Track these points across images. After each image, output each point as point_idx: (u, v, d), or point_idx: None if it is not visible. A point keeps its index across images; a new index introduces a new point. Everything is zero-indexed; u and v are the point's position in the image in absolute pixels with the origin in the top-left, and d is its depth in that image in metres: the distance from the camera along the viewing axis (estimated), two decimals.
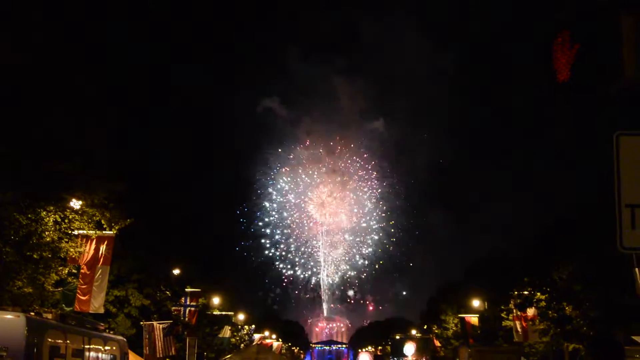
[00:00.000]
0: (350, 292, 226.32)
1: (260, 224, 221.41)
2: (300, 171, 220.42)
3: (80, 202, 24.03)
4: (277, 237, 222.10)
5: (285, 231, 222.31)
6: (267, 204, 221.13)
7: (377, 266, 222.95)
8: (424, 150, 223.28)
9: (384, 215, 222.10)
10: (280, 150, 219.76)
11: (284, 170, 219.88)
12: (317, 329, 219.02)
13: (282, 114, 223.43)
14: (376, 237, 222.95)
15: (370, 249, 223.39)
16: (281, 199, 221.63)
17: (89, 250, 25.48)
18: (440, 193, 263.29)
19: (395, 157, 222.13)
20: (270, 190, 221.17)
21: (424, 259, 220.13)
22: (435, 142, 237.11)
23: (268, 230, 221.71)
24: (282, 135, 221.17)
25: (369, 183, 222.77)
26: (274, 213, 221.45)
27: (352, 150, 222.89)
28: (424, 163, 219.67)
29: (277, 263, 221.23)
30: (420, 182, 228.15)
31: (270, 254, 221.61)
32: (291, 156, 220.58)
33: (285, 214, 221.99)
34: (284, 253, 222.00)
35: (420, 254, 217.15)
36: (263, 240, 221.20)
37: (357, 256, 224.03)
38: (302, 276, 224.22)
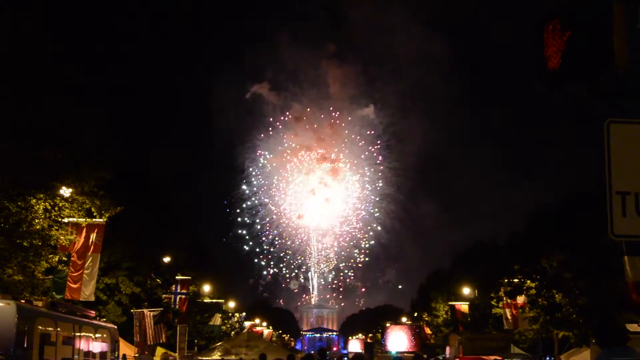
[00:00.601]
0: (341, 280, 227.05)
1: (249, 213, 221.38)
2: (289, 158, 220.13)
3: (70, 190, 23.93)
4: (263, 226, 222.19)
5: (271, 218, 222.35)
6: (255, 192, 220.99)
7: (367, 255, 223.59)
8: (414, 137, 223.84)
9: (375, 201, 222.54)
10: (265, 136, 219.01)
11: (272, 157, 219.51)
12: (307, 316, 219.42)
13: (272, 100, 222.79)
14: (367, 225, 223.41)
15: (361, 237, 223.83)
16: (270, 187, 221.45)
17: (80, 238, 25.39)
18: (431, 181, 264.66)
19: (385, 144, 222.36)
20: (259, 177, 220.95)
21: (414, 247, 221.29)
22: (425, 129, 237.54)
23: (257, 219, 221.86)
24: (271, 121, 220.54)
25: (360, 170, 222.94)
26: (255, 200, 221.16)
27: (341, 137, 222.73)
28: (414, 150, 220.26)
29: (260, 257, 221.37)
30: (411, 169, 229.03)
31: (259, 244, 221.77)
32: (280, 143, 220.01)
33: (272, 202, 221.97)
34: (265, 246, 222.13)
35: (410, 242, 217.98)
36: (250, 230, 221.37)
37: (348, 244, 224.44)
38: (292, 265, 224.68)
